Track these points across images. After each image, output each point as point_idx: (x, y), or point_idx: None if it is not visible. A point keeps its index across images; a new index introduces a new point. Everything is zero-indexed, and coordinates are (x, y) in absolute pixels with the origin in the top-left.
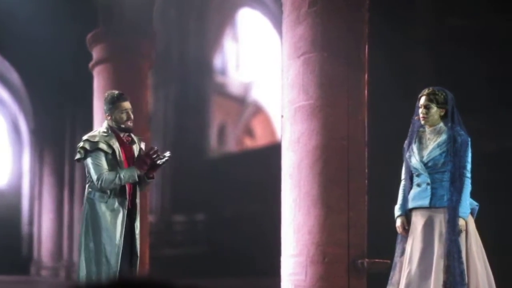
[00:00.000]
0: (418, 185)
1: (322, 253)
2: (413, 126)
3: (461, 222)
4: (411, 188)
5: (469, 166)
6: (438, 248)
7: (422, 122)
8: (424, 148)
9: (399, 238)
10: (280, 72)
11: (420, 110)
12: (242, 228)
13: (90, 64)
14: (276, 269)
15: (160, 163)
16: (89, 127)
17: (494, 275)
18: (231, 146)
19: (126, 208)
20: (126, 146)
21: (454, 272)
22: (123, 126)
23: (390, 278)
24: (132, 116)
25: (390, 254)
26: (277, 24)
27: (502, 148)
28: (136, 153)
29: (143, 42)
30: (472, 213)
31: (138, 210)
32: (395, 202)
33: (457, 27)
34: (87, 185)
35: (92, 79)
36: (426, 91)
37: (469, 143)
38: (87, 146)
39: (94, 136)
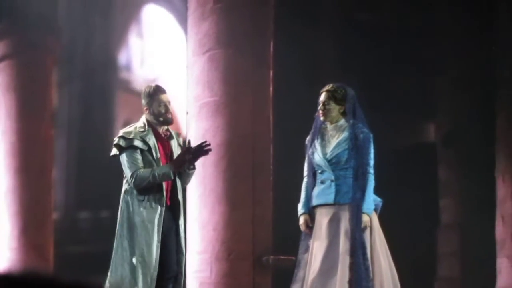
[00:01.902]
0: (322, 182)
1: (227, 250)
2: (315, 122)
3: (365, 218)
4: (314, 185)
5: (372, 162)
6: (343, 245)
7: (322, 118)
8: (327, 145)
9: (303, 235)
10: (185, 69)
11: (319, 107)
12: None
13: None
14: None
15: (199, 154)
16: None
17: (398, 271)
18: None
19: (164, 205)
20: (164, 141)
21: (359, 269)
22: (161, 119)
23: (294, 275)
24: (170, 109)
25: (296, 251)
26: (182, 20)
27: (409, 145)
28: (174, 148)
29: (48, 38)
30: (375, 209)
31: (182, 206)
32: (300, 199)
33: (364, 22)
34: (123, 182)
35: None
36: (326, 87)
37: (372, 139)
38: (121, 143)
39: (130, 132)
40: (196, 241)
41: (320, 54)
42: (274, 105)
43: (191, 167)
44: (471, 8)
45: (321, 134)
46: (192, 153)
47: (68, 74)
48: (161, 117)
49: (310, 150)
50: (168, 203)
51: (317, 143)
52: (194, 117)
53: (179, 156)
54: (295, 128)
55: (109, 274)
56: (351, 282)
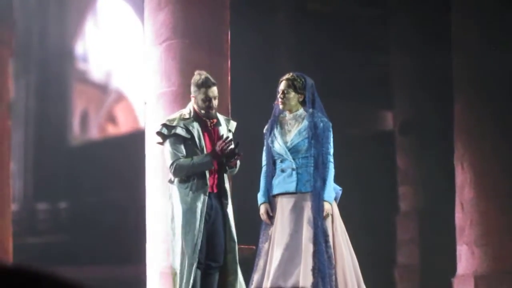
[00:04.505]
0: (283, 170)
1: None
2: (274, 111)
3: (327, 206)
4: (273, 173)
5: (331, 151)
6: (306, 233)
7: (281, 107)
8: (287, 133)
9: (263, 224)
10: (142, 59)
11: (279, 95)
12: (106, 216)
13: None
14: (141, 256)
15: (232, 149)
16: None
17: (358, 258)
18: (94, 133)
19: (207, 194)
20: (210, 129)
21: (321, 257)
22: (203, 112)
23: (255, 264)
24: (215, 104)
25: (256, 240)
26: (139, 10)
27: (367, 133)
28: (224, 134)
29: (3, 29)
30: (335, 198)
31: (229, 194)
32: (259, 188)
33: (320, 11)
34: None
35: None
36: (286, 76)
37: (331, 128)
38: (164, 131)
39: (173, 119)
40: (156, 230)
41: (277, 43)
42: (232, 95)
43: (231, 166)
44: None
45: (280, 123)
46: (224, 148)
47: (24, 65)
48: (203, 110)
49: (270, 139)
50: (216, 191)
51: (276, 132)
52: (152, 107)
53: (214, 148)
54: (253, 117)
55: (173, 263)
56: (314, 270)
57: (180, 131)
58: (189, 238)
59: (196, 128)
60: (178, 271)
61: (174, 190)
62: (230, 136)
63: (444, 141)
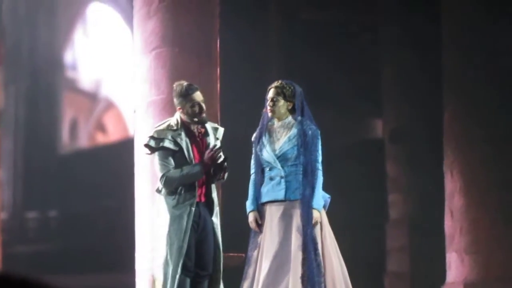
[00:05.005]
0: (271, 178)
1: None
2: (263, 119)
3: (316, 214)
4: (262, 182)
5: (320, 159)
6: (295, 241)
7: (269, 114)
8: (275, 141)
9: (252, 232)
10: (131, 67)
11: (268, 103)
12: (96, 224)
13: None
14: (130, 265)
15: (220, 163)
16: None
17: (347, 267)
18: (83, 142)
19: (194, 205)
20: (198, 140)
21: (311, 265)
22: (195, 119)
23: (245, 272)
24: (204, 107)
25: (245, 248)
26: (128, 19)
27: (357, 141)
28: (212, 144)
29: None
30: (324, 206)
31: (216, 203)
32: (248, 196)
33: (308, 20)
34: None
35: None
36: (274, 84)
37: (319, 136)
38: (151, 144)
39: (161, 131)
40: (146, 239)
41: (266, 51)
42: (221, 102)
43: (219, 179)
44: (414, 4)
45: (269, 131)
46: (213, 157)
47: (13, 74)
48: (195, 117)
49: (258, 147)
50: (203, 200)
51: (265, 140)
52: (141, 115)
53: (203, 158)
54: (242, 125)
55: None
56: (303, 278)
57: (168, 143)
58: (174, 249)
59: (184, 139)
60: (158, 280)
61: (161, 200)
62: (218, 143)
63: (433, 149)
